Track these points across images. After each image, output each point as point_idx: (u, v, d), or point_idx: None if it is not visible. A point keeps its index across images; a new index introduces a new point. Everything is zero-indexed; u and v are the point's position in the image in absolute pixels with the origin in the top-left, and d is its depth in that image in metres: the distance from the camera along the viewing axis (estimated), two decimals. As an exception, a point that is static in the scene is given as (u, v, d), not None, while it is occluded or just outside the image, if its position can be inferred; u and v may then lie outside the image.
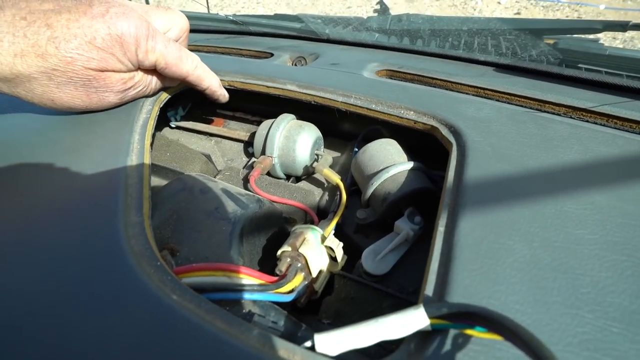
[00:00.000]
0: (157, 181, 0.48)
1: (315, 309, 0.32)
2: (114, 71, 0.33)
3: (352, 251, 0.37)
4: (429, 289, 0.22)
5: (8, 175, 0.30)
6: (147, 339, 0.20)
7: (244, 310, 0.25)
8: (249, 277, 0.26)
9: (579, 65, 0.48)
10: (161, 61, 0.36)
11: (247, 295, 0.25)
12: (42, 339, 0.20)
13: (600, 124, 0.37)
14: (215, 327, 0.20)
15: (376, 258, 0.34)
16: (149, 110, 0.39)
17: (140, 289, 0.22)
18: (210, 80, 0.42)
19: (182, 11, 0.43)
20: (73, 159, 0.32)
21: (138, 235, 0.25)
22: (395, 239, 0.35)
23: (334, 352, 0.20)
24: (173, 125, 0.56)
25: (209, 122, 0.58)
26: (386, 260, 0.34)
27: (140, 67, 0.36)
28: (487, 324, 0.17)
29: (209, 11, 0.95)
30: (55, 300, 0.21)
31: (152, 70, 0.38)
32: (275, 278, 0.27)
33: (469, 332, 0.18)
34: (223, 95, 0.44)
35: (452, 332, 0.19)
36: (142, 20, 0.33)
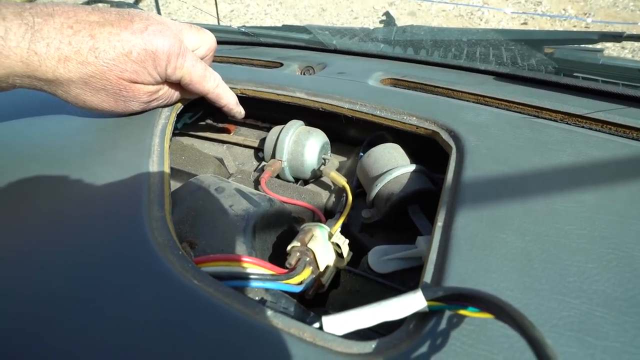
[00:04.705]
0: (173, 183, 0.51)
1: (323, 301, 0.34)
2: (143, 84, 0.37)
3: (358, 249, 0.39)
4: (427, 276, 0.24)
5: (43, 176, 0.33)
6: (171, 318, 0.22)
7: (257, 298, 0.27)
8: (261, 268, 0.28)
9: (575, 74, 0.50)
10: (187, 78, 0.39)
11: (260, 284, 0.27)
12: (77, 317, 0.22)
13: (595, 130, 0.39)
14: (232, 307, 0.22)
15: (382, 257, 0.36)
16: (167, 116, 0.42)
17: (165, 274, 0.24)
18: (228, 99, 0.45)
19: (192, 22, 0.46)
20: (100, 160, 0.34)
21: (161, 228, 0.27)
22: (409, 251, 0.35)
23: (340, 332, 0.22)
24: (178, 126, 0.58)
25: (222, 128, 0.60)
26: (390, 263, 0.35)
27: (166, 81, 0.39)
28: (478, 304, 0.19)
29: (219, 23, 0.99)
30: (87, 285, 0.24)
31: (176, 85, 0.41)
32: (286, 270, 0.29)
33: (462, 312, 0.20)
34: (239, 113, 0.47)
35: (448, 313, 0.21)
36: (176, 38, 0.36)
